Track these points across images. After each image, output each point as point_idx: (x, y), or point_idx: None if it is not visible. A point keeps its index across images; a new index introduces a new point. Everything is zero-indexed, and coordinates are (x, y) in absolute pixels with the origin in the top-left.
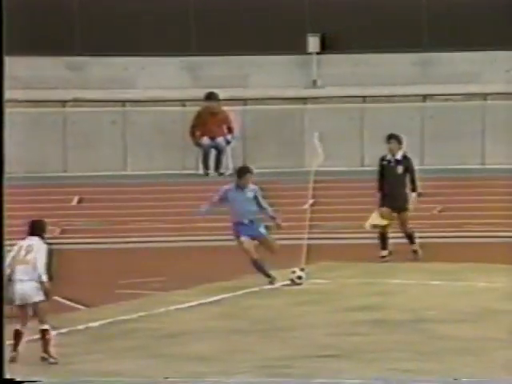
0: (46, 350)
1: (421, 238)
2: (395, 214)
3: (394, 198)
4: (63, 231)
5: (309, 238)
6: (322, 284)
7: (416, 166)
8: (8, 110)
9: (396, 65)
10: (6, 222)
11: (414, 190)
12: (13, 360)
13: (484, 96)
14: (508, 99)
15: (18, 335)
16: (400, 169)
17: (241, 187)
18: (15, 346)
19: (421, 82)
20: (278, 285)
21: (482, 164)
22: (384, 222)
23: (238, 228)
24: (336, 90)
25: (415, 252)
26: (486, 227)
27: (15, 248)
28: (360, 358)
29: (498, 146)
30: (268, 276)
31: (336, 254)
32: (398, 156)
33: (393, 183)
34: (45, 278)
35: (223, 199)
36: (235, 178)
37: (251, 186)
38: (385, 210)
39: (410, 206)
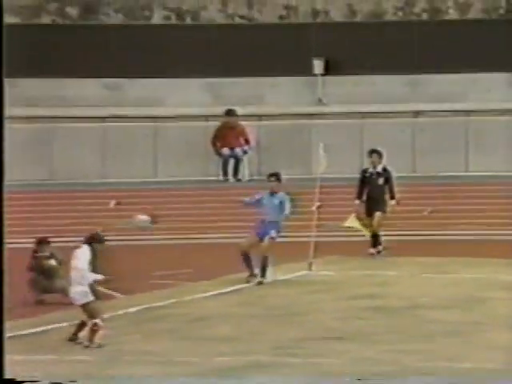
0: (90, 339)
1: (413, 235)
2: (375, 214)
3: (376, 203)
4: (102, 230)
5: (316, 236)
6: (328, 275)
7: (408, 174)
8: (56, 125)
9: (391, 85)
10: (55, 221)
11: (392, 197)
12: (70, 340)
13: (467, 113)
14: (488, 115)
15: (81, 325)
16: (381, 180)
17: (272, 193)
18: (76, 331)
19: (413, 100)
20: (283, 277)
21: (466, 171)
22: (369, 233)
23: (257, 224)
24: (339, 107)
25: (373, 254)
26: (471, 226)
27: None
28: (362, 340)
29: (480, 156)
30: (251, 271)
31: (339, 250)
32: (379, 168)
33: (375, 192)
34: (91, 280)
35: (259, 201)
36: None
37: (280, 193)
38: (364, 218)
39: (388, 209)
